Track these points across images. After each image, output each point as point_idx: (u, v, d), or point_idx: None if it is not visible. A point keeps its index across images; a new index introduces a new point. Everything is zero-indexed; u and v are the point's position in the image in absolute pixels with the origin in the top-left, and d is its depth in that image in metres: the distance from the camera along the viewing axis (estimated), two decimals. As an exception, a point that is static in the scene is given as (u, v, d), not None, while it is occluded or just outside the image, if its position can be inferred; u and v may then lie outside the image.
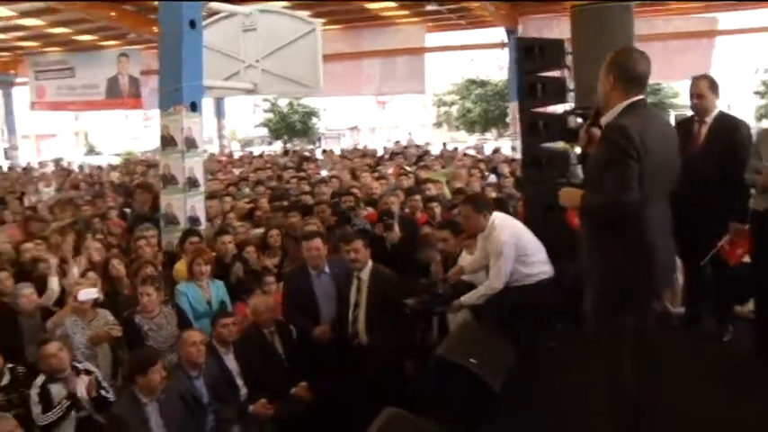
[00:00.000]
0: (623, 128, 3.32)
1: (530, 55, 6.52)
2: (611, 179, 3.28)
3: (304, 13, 9.36)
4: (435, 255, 6.19)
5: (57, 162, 25.49)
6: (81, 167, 24.27)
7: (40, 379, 4.85)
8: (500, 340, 4.73)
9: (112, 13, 18.91)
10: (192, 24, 7.39)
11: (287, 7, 15.88)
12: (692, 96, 5.55)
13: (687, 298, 6.01)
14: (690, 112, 5.78)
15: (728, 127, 5.42)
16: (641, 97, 3.49)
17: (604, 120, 3.56)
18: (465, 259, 5.66)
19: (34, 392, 4.78)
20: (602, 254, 3.47)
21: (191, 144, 7.46)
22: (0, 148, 29.81)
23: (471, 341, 4.54)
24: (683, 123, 5.68)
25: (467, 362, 4.13)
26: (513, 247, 4.97)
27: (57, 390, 4.81)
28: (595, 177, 3.43)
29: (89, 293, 5.47)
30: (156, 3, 8.72)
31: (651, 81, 5.73)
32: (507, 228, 5.08)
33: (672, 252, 3.76)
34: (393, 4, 19.58)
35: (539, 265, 5.11)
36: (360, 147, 26.04)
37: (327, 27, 21.21)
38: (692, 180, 5.28)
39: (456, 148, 21.53)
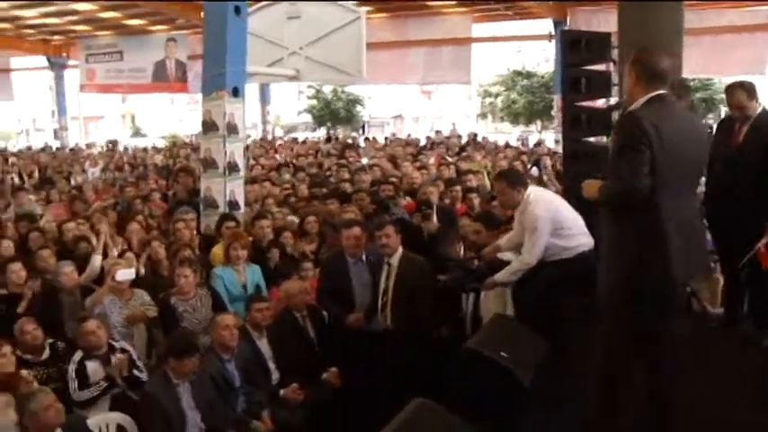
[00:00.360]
0: (636, 117, 3.44)
1: (575, 48, 6.43)
2: (624, 165, 3.40)
3: (349, 2, 9.36)
4: (456, 250, 6.15)
5: (113, 144, 25.99)
6: (126, 149, 24.70)
7: (78, 355, 4.95)
8: (531, 334, 4.68)
9: (162, -1, 19.19)
10: (237, 10, 7.43)
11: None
12: (730, 106, 5.41)
13: (726, 299, 5.87)
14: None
15: None
16: (662, 92, 3.55)
17: (631, 108, 3.62)
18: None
19: (72, 368, 4.88)
20: (617, 241, 3.57)
21: (232, 129, 7.52)
22: (50, 128, 30.39)
23: (503, 334, 4.50)
24: (725, 121, 5.57)
25: (497, 355, 4.10)
26: (549, 221, 4.91)
27: (93, 367, 4.90)
28: (611, 165, 3.54)
29: (126, 274, 5.56)
30: (204, -11, 8.78)
31: (702, 76, 5.66)
32: (543, 202, 5.02)
33: (697, 245, 3.72)
34: (440, -6, 19.49)
35: (577, 237, 5.01)
36: (402, 136, 26.01)
37: (373, 15, 21.26)
38: (730, 179, 5.22)
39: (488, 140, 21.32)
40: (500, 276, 5.15)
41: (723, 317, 5.80)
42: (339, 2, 9.22)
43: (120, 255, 6.38)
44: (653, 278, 3.48)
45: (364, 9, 9.40)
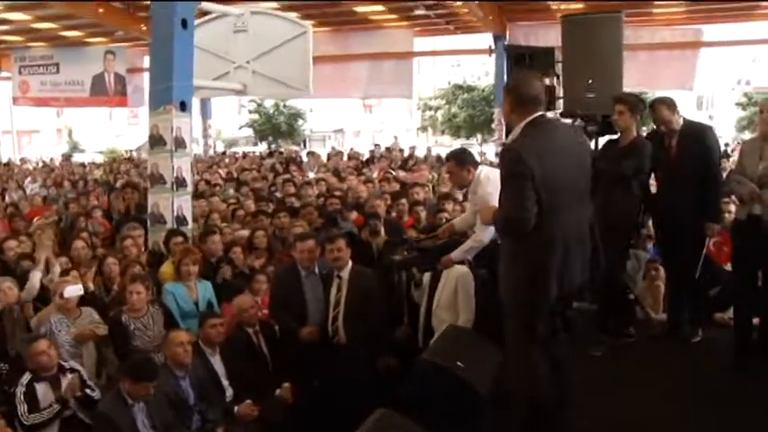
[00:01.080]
0: (515, 150, 3.62)
1: (519, 62, 6.61)
2: (508, 197, 3.64)
3: (293, 15, 9.38)
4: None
5: (66, 157, 25.26)
6: (65, 161, 24.12)
7: (26, 377, 4.82)
8: (486, 343, 4.77)
9: (100, 10, 18.81)
10: (184, 24, 7.38)
11: (275, 8, 15.98)
12: (656, 122, 5.74)
13: (669, 305, 6.08)
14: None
15: (696, 133, 5.60)
16: (539, 114, 3.76)
17: (508, 140, 3.89)
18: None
19: (20, 391, 4.74)
20: (508, 255, 3.81)
21: (179, 143, 7.45)
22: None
23: (458, 344, 4.57)
24: (654, 135, 5.82)
25: (453, 365, 4.16)
26: None
27: (42, 389, 4.77)
28: (500, 196, 3.77)
29: (74, 290, 5.45)
30: (147, 1, 8.69)
31: (636, 89, 5.91)
32: (494, 180, 5.05)
33: (584, 257, 3.90)
34: (381, 8, 19.63)
35: None
36: (344, 149, 26.04)
37: (316, 29, 21.07)
38: (671, 188, 5.48)
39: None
40: (456, 254, 5.24)
41: (666, 322, 6.02)
42: (286, 16, 9.24)
43: (65, 273, 6.22)
44: (536, 293, 3.67)
45: (310, 23, 9.43)
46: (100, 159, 26.90)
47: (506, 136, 4.82)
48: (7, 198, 13.90)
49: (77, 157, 31.61)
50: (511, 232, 3.72)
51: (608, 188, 5.43)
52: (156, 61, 7.62)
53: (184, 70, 7.45)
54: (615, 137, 5.90)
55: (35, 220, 8.98)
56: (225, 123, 43.74)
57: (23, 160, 25.46)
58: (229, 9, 9.04)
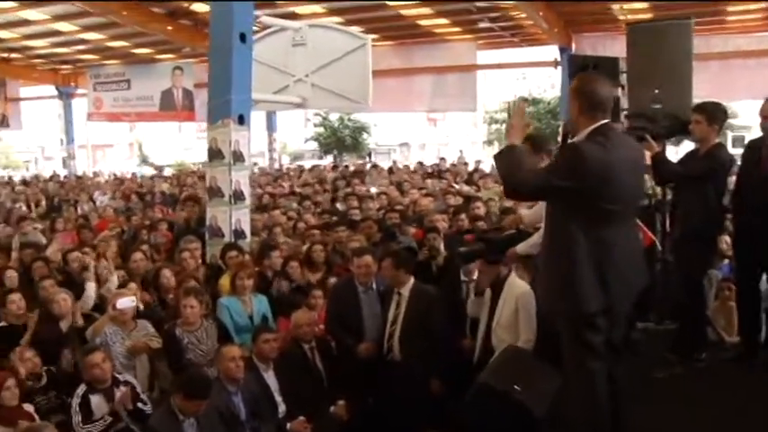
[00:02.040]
0: (581, 151, 3.51)
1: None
2: (543, 171, 3.70)
3: (355, 29, 9.35)
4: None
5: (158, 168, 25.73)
6: (134, 176, 24.75)
7: (81, 388, 4.86)
8: (544, 366, 4.55)
9: (169, 27, 19.27)
10: (243, 38, 7.40)
11: (339, 23, 16.08)
12: (764, 118, 5.32)
13: (742, 328, 5.72)
14: (748, 134, 5.59)
15: None
16: (606, 121, 3.63)
17: (576, 140, 3.70)
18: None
19: (75, 402, 4.79)
20: (543, 273, 3.84)
21: (237, 157, 7.47)
22: (59, 157, 30.51)
23: (516, 367, 4.37)
24: (753, 145, 5.48)
25: (510, 388, 3.98)
26: None
27: (96, 401, 4.80)
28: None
29: (127, 302, 5.47)
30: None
31: (709, 100, 5.60)
32: None
33: (635, 274, 3.76)
34: (445, 21, 19.51)
35: None
36: (410, 163, 25.95)
37: (379, 43, 21.33)
38: (758, 205, 5.13)
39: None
40: (521, 247, 5.06)
41: (739, 344, 5.66)
42: (345, 29, 9.22)
43: (123, 285, 6.27)
44: (568, 304, 3.58)
45: (370, 36, 9.38)
46: (168, 172, 27.41)
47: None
48: (79, 210, 14.27)
49: (146, 171, 32.44)
50: (512, 190, 3.75)
51: (687, 200, 5.30)
52: (214, 75, 7.67)
53: (243, 84, 7.48)
54: (694, 147, 5.64)
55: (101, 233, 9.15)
56: (291, 137, 44.28)
57: (95, 174, 26.24)
58: (288, 23, 9.09)
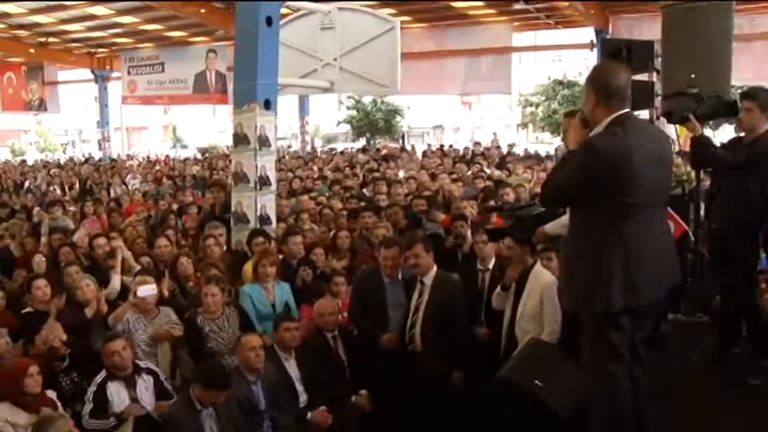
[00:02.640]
0: (594, 148, 3.43)
1: (616, 57, 6.14)
2: (562, 176, 3.58)
3: (385, 12, 9.21)
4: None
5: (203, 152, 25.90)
6: (168, 158, 24.97)
7: (101, 376, 4.82)
8: (571, 360, 4.41)
9: (202, 11, 19.31)
10: (269, 22, 7.29)
11: (372, 5, 15.90)
12: None
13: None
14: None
15: None
16: (624, 111, 3.50)
17: (592, 134, 3.56)
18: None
19: (91, 390, 4.76)
20: (568, 268, 3.74)
21: (263, 142, 7.39)
22: (96, 140, 30.92)
23: (538, 361, 4.24)
24: None
25: (531, 385, 3.86)
26: None
27: (116, 388, 4.77)
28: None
29: (148, 290, 5.43)
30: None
31: (752, 82, 5.36)
32: None
33: (664, 271, 3.63)
34: (480, 3, 19.25)
35: None
36: (440, 146, 25.76)
37: (413, 25, 21.14)
38: None
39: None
40: (549, 227, 5.04)
41: None
42: (374, 12, 9.07)
43: (145, 272, 6.26)
44: (596, 300, 3.46)
45: (399, 20, 9.26)
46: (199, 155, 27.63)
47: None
48: (112, 193, 14.39)
49: (181, 153, 32.71)
50: (551, 199, 3.83)
51: (728, 189, 5.11)
52: (240, 59, 7.59)
53: (269, 68, 7.37)
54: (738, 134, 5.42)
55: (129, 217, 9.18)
56: (324, 120, 44.25)
57: (129, 156, 26.51)
58: (317, 6, 8.95)
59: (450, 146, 23.27)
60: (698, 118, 5.35)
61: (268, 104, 7.42)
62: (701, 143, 5.30)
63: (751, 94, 5.17)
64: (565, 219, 4.82)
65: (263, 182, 7.45)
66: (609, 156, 3.34)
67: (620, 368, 3.47)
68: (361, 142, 34.01)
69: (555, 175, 3.64)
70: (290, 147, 30.12)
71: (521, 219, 5.11)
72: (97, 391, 4.73)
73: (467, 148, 20.62)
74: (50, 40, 24.79)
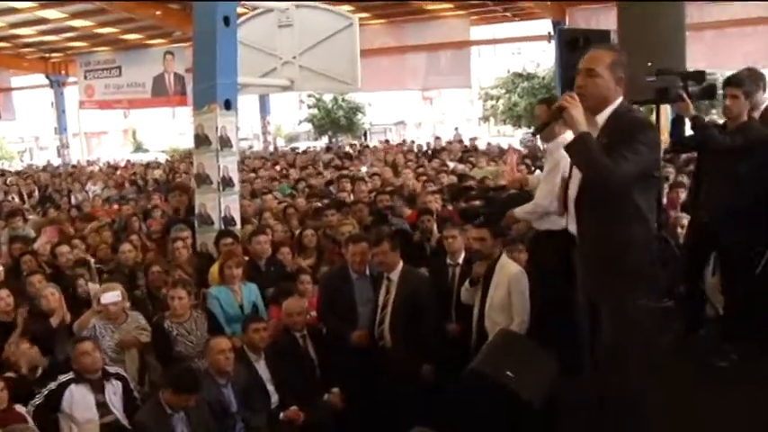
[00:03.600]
0: (645, 118, 3.54)
1: (573, 47, 6.18)
2: (634, 152, 3.29)
3: (343, 8, 9.18)
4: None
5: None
6: (129, 163, 24.63)
7: (66, 376, 4.74)
8: (542, 349, 4.45)
9: (157, 12, 19.06)
10: (227, 21, 7.23)
11: (329, 2, 15.84)
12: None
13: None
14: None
15: None
16: (623, 99, 3.52)
17: (601, 117, 3.48)
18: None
19: (50, 386, 4.69)
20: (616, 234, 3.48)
21: (225, 143, 7.32)
22: (54, 146, 30.40)
23: (508, 352, 4.26)
24: None
25: (502, 376, 3.88)
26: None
27: (81, 391, 4.69)
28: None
29: (112, 297, 5.35)
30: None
31: (705, 70, 5.43)
32: None
33: None
34: (437, -3, 19.33)
35: None
36: (402, 141, 25.81)
37: (371, 22, 21.13)
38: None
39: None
40: (518, 211, 5.13)
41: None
42: (332, 9, 9.04)
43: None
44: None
45: (357, 16, 9.22)
46: (162, 159, 27.29)
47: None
48: (73, 200, 14.16)
49: (141, 157, 32.27)
50: (601, 179, 3.32)
51: (720, 179, 5.08)
52: (199, 60, 7.50)
53: (228, 68, 7.31)
54: (720, 121, 5.43)
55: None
56: (285, 119, 44.01)
57: (89, 162, 26.09)
58: (274, 4, 8.89)
59: (412, 141, 23.33)
60: (689, 97, 5.31)
61: (228, 104, 7.36)
62: (702, 124, 5.24)
63: (735, 81, 5.17)
64: (531, 207, 4.88)
65: (227, 183, 7.39)
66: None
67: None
68: (324, 141, 33.94)
69: (599, 163, 3.26)
70: (251, 147, 29.93)
71: (492, 200, 5.15)
72: (55, 390, 4.66)
73: (428, 143, 20.70)
74: (1, 45, 24.24)
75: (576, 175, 3.57)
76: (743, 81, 5.14)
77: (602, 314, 3.50)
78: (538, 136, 5.55)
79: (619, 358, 3.42)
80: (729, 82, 5.19)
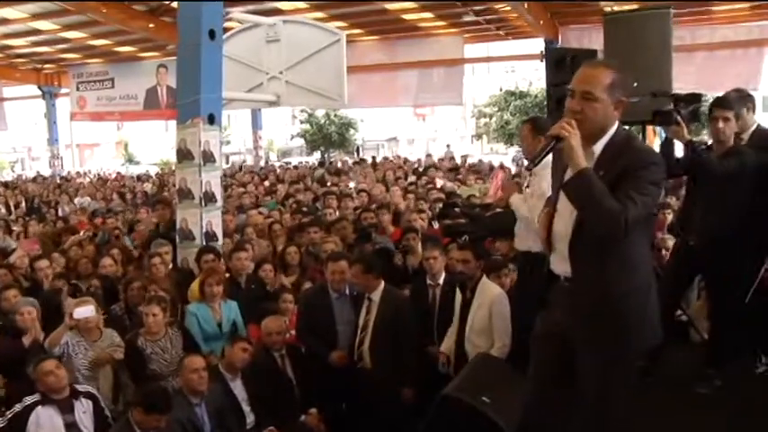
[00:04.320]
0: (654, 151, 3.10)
1: (560, 66, 6.18)
2: (645, 194, 2.90)
3: (330, 24, 9.14)
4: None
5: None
6: (120, 175, 24.54)
7: (32, 398, 4.58)
8: (521, 375, 4.35)
9: (150, 25, 19.02)
10: (212, 35, 7.15)
11: (322, 18, 15.83)
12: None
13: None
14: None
15: None
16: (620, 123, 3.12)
17: (598, 147, 3.05)
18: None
19: (15, 408, 4.53)
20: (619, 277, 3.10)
21: (208, 158, 7.24)
22: (46, 157, 30.31)
23: (486, 376, 4.18)
24: None
25: (478, 401, 3.79)
26: None
27: (49, 413, 4.55)
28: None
29: (84, 312, 5.22)
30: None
31: (695, 91, 5.38)
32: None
33: None
34: (430, 15, 19.32)
35: None
36: (396, 156, 25.78)
37: (364, 38, 21.16)
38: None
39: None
40: (515, 199, 5.09)
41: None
42: (319, 25, 9.01)
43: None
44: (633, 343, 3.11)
45: (349, 32, 9.20)
46: (153, 171, 27.23)
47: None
48: (60, 212, 14.06)
49: (133, 169, 32.21)
50: (601, 225, 2.92)
51: (712, 203, 4.94)
52: (183, 74, 7.41)
53: (213, 82, 7.23)
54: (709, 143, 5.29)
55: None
56: (278, 134, 44.02)
57: (78, 174, 25.98)
58: (262, 19, 8.86)
59: (405, 159, 23.28)
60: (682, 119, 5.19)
61: (212, 119, 7.27)
62: (697, 149, 5.10)
63: (725, 103, 5.02)
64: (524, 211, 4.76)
65: (209, 198, 7.30)
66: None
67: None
68: (316, 156, 33.93)
69: (604, 205, 2.88)
70: (244, 161, 29.88)
71: (476, 218, 5.08)
72: (20, 413, 4.50)
73: (419, 160, 20.66)
74: (-6, 55, 24.24)
75: (566, 211, 3.10)
76: (732, 103, 5.03)
77: (584, 361, 3.13)
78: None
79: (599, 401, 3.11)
80: (719, 104, 5.02)
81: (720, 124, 4.93)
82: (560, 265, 3.20)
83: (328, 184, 14.67)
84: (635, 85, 5.64)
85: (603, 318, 3.00)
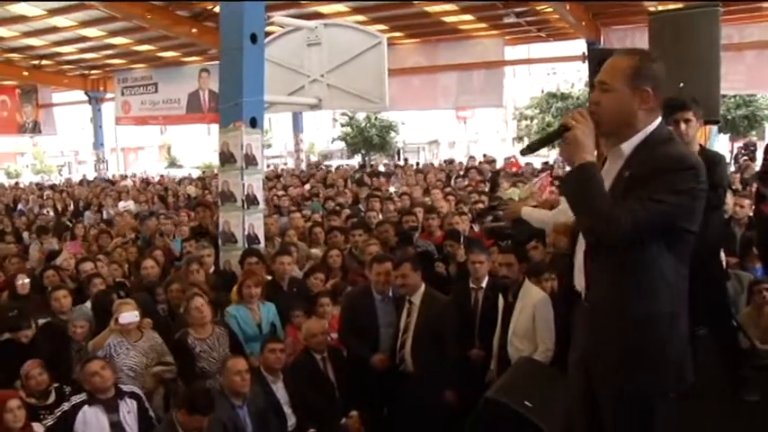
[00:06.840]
0: (694, 158, 2.63)
1: (602, 67, 6.04)
2: (641, 199, 2.52)
3: (377, 27, 9.15)
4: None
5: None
6: (163, 178, 24.90)
7: (78, 398, 4.68)
8: (561, 379, 4.29)
9: (194, 30, 19.28)
10: (254, 39, 7.22)
11: (362, 21, 15.86)
12: None
13: None
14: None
15: None
16: (661, 120, 2.73)
17: (628, 146, 2.69)
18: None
19: (62, 407, 4.64)
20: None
21: (250, 161, 7.30)
22: (92, 161, 30.91)
23: (529, 381, 4.12)
24: None
25: (521, 405, 3.74)
26: None
27: (94, 413, 4.63)
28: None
29: (130, 317, 5.29)
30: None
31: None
32: None
33: None
34: (471, 17, 19.22)
35: None
36: (436, 161, 25.71)
37: (404, 41, 21.16)
38: None
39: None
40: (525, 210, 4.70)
41: None
42: (360, 28, 9.03)
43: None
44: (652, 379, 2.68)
45: (390, 35, 9.20)
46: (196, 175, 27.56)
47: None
48: (105, 215, 14.30)
49: (176, 173, 32.65)
50: (596, 231, 2.61)
51: None
52: (225, 78, 7.49)
53: (255, 86, 7.29)
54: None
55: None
56: (319, 136, 44.26)
57: (122, 177, 26.43)
58: (303, 22, 8.92)
59: (452, 159, 23.12)
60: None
61: (254, 122, 7.34)
62: None
63: (688, 103, 4.66)
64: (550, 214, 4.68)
65: (251, 201, 7.35)
66: (702, 170, 2.60)
67: None
68: (357, 159, 33.98)
69: (596, 205, 2.56)
70: (285, 164, 30.09)
71: (520, 221, 5.02)
72: (68, 412, 4.60)
73: (460, 163, 20.57)
74: (44, 62, 24.78)
75: None
76: (694, 103, 4.70)
77: (599, 392, 2.80)
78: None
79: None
80: (683, 105, 4.64)
81: (683, 126, 4.63)
82: (578, 279, 2.89)
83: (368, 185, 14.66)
84: (681, 86, 5.56)
85: (614, 345, 2.66)
